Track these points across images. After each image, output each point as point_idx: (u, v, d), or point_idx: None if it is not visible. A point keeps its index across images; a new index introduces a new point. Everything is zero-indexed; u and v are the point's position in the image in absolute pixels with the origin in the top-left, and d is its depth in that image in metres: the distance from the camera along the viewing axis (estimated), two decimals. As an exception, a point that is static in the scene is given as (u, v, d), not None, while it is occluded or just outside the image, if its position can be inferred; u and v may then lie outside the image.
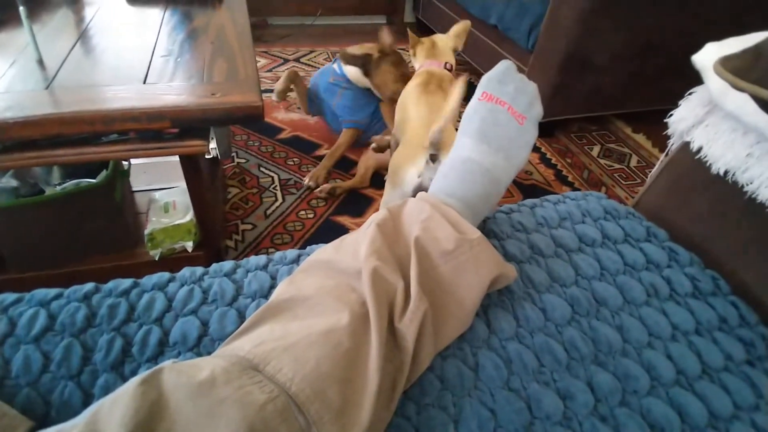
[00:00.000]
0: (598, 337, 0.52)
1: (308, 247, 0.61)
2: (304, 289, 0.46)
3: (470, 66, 2.04)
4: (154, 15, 1.02)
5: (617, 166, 1.68)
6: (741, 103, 0.58)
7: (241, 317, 0.50)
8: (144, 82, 0.77)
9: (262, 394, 0.34)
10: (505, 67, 0.60)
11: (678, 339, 0.53)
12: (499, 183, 0.57)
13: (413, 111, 1.08)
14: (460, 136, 0.60)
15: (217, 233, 1.07)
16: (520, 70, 1.30)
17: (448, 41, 1.30)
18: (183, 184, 0.91)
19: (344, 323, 0.40)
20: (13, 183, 0.89)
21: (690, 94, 0.71)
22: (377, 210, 1.34)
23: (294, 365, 0.36)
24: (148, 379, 0.33)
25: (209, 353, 0.47)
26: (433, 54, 1.26)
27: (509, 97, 0.58)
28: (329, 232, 1.27)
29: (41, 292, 0.50)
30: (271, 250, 1.20)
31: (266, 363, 0.37)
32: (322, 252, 0.51)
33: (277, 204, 1.35)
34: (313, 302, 0.44)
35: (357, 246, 0.48)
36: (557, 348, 0.50)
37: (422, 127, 0.98)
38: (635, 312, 0.55)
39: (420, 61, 1.27)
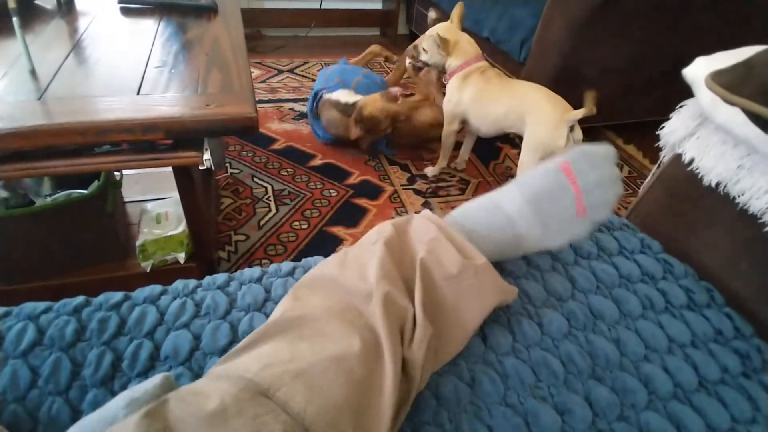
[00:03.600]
0: (595, 351, 0.52)
1: (303, 260, 0.60)
2: (311, 309, 0.45)
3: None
4: (149, 26, 1.02)
5: (609, 177, 1.69)
6: (731, 115, 0.59)
7: (234, 331, 0.49)
8: (138, 93, 0.76)
9: (276, 423, 0.33)
10: (605, 152, 0.55)
11: (674, 352, 0.53)
12: (518, 250, 0.56)
13: (527, 99, 1.26)
14: (512, 185, 0.56)
15: (210, 244, 1.05)
16: (513, 83, 1.32)
17: (462, 34, 1.41)
18: (175, 195, 0.90)
19: (356, 350, 0.40)
20: (3, 194, 0.88)
21: (681, 106, 0.72)
22: (371, 221, 1.35)
23: (307, 394, 0.36)
24: (153, 411, 0.32)
25: (201, 367, 0.46)
26: (470, 52, 1.39)
27: (586, 186, 0.53)
28: (323, 242, 1.27)
29: (30, 306, 0.49)
30: (264, 261, 1.19)
31: (276, 389, 0.36)
32: (326, 266, 0.51)
33: (271, 214, 1.34)
34: (321, 324, 0.43)
35: (362, 262, 0.48)
36: (554, 362, 0.50)
37: (549, 103, 1.21)
38: (631, 325, 0.55)
39: (459, 60, 1.38)
